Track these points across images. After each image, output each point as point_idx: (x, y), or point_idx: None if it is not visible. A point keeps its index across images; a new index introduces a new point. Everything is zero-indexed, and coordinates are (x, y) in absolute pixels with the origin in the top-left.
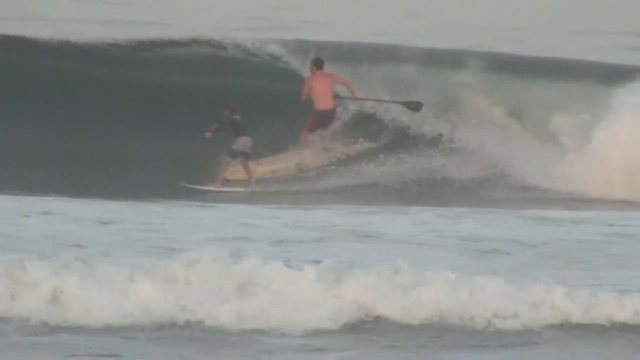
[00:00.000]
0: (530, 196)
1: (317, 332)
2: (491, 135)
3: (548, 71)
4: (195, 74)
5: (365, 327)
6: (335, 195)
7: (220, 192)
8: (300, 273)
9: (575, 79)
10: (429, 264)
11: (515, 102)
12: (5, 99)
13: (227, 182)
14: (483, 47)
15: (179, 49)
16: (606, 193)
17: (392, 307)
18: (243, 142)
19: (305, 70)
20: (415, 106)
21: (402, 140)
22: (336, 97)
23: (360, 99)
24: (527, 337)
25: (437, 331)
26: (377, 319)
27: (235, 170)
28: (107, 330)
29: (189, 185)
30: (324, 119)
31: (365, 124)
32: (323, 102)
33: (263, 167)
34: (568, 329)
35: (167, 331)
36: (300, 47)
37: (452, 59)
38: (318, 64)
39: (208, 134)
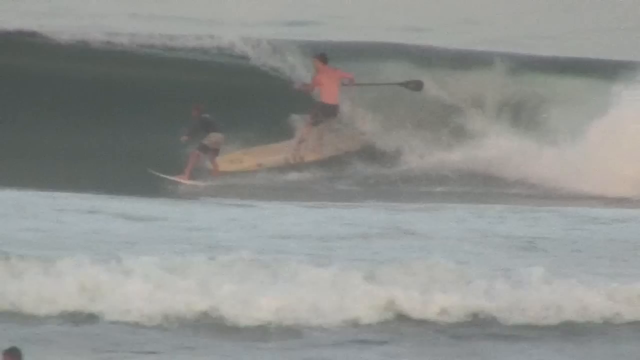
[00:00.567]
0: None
1: (358, 326)
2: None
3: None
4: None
5: (410, 322)
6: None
7: (187, 184)
8: (346, 270)
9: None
10: (484, 262)
11: (540, 100)
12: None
13: (193, 175)
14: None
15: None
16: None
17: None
18: (214, 138)
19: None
20: (416, 85)
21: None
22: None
23: (360, 84)
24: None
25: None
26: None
27: (219, 162)
28: (146, 324)
29: (156, 174)
30: (328, 113)
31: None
32: (329, 96)
33: (251, 158)
34: None
35: (207, 326)
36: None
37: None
38: (323, 59)
39: (184, 138)
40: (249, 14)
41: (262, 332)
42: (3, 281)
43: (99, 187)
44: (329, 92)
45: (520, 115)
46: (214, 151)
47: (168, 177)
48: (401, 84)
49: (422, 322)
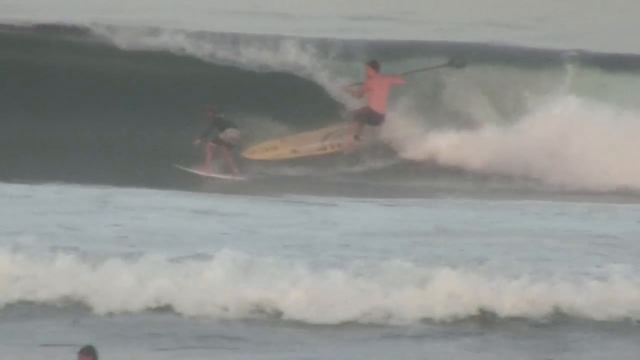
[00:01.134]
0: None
1: (437, 321)
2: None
3: None
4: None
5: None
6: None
7: (212, 178)
8: (433, 268)
9: None
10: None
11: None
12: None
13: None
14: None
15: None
16: None
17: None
18: (231, 133)
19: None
20: (461, 62)
21: None
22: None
23: (406, 73)
24: None
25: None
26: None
27: (255, 150)
28: (225, 319)
29: (183, 168)
30: (374, 121)
31: None
32: (378, 104)
33: (286, 145)
34: None
35: (290, 322)
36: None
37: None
38: (375, 67)
39: (197, 142)
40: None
41: (350, 326)
42: (89, 277)
43: (140, 182)
44: (378, 100)
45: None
46: (228, 146)
47: (192, 170)
48: (446, 65)
49: (512, 318)
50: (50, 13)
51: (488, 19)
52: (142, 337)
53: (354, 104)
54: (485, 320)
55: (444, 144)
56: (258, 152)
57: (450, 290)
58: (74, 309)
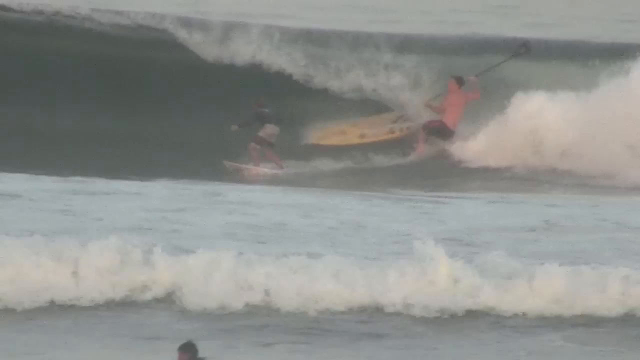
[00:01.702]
0: None
1: (543, 316)
2: None
3: None
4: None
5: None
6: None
7: (264, 172)
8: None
9: None
10: None
11: None
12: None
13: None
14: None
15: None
16: None
17: None
18: (270, 130)
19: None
20: (525, 49)
21: None
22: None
23: (478, 74)
24: None
25: None
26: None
27: (323, 136)
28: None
29: (233, 164)
30: (444, 136)
31: None
32: (452, 121)
33: (355, 129)
34: None
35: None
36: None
37: None
38: (459, 82)
39: (234, 127)
40: None
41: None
42: (194, 272)
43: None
44: (453, 115)
45: None
46: (269, 144)
47: (243, 165)
48: (513, 56)
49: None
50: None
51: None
52: (245, 332)
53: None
54: (592, 317)
55: (552, 139)
56: (326, 137)
57: (557, 286)
58: (177, 303)
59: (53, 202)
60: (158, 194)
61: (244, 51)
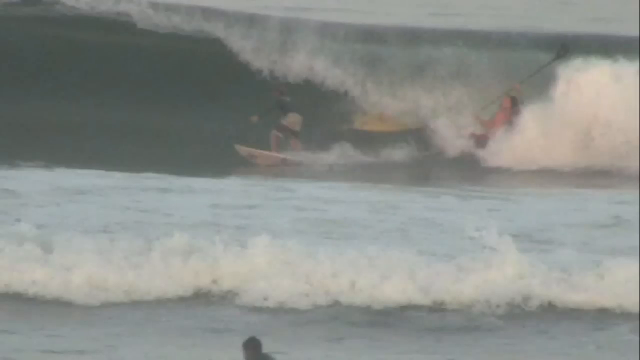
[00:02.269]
0: None
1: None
2: None
3: None
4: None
5: None
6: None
7: (284, 158)
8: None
9: None
10: None
11: None
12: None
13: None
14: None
15: None
16: None
17: None
18: (293, 118)
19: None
20: (565, 51)
21: None
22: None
23: (523, 81)
24: None
25: None
26: None
27: (365, 121)
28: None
29: (246, 148)
30: (482, 145)
31: None
32: (494, 134)
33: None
34: None
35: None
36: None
37: None
38: (515, 102)
39: (253, 118)
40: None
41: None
42: (263, 267)
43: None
44: (499, 132)
45: None
46: (292, 132)
47: (256, 150)
48: (555, 59)
49: None
50: None
51: None
52: (312, 327)
53: None
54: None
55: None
56: (369, 123)
57: (626, 281)
58: (245, 298)
59: (123, 198)
60: (228, 190)
61: (301, 46)
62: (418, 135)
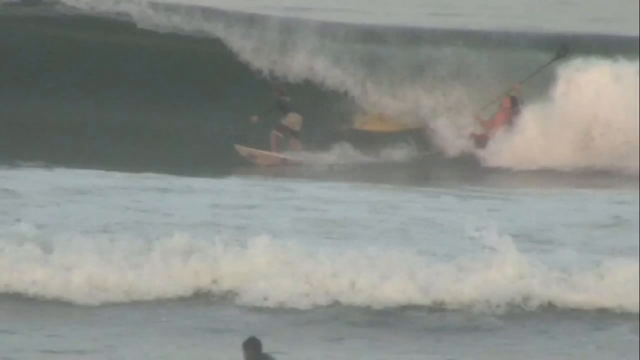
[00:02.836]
0: None
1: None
2: None
3: None
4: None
5: None
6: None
7: (284, 158)
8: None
9: None
10: None
11: None
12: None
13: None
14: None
15: None
16: None
17: None
18: (293, 118)
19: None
20: (565, 51)
21: None
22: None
23: (522, 81)
24: None
25: None
26: None
27: (365, 121)
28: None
29: (246, 148)
30: (482, 146)
31: None
32: (494, 134)
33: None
34: None
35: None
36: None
37: None
38: (515, 102)
39: (253, 118)
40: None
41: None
42: (262, 267)
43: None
44: (498, 132)
45: None
46: (292, 132)
47: (256, 150)
48: (555, 59)
49: None
50: None
51: None
52: (311, 327)
53: None
54: None
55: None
56: (369, 123)
57: (626, 281)
58: (245, 298)
59: (123, 198)
60: (228, 190)
61: (301, 46)
62: (418, 135)
